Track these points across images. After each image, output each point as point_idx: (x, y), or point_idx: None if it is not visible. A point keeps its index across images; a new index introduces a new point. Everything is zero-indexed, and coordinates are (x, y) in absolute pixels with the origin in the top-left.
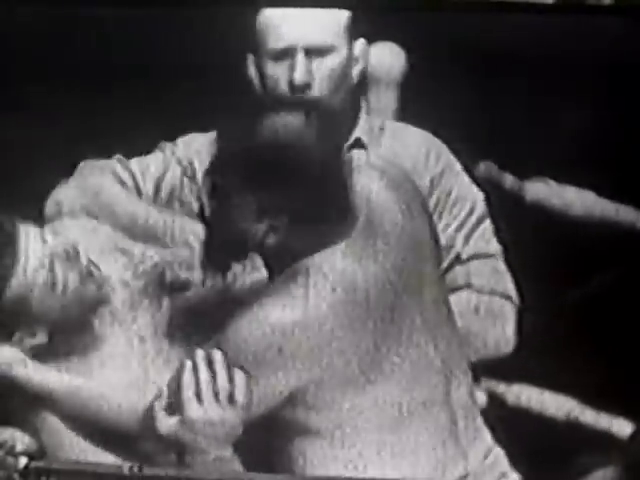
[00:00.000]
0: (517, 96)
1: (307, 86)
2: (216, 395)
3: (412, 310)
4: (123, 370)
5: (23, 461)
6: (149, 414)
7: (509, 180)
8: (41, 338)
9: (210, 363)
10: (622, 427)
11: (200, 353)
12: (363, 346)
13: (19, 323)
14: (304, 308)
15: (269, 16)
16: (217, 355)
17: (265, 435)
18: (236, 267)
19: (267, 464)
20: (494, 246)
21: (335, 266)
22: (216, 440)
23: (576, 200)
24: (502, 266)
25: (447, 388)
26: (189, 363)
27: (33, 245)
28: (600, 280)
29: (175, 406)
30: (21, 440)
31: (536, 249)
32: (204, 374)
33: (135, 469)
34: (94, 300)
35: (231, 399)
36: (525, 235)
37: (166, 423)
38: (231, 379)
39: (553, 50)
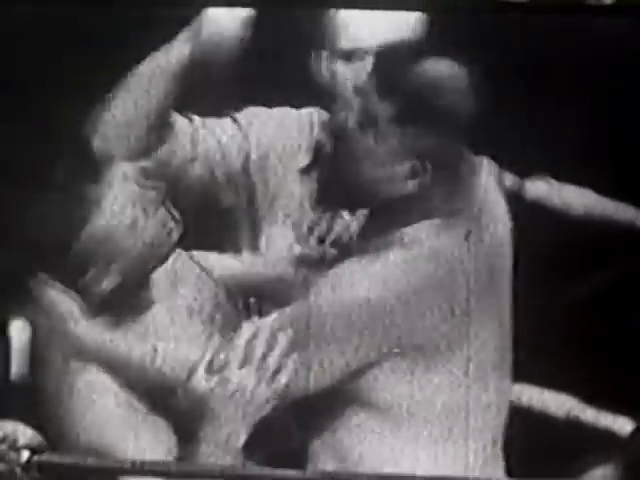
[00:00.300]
0: (517, 95)
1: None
2: (261, 368)
3: (486, 307)
4: (169, 334)
5: (25, 455)
6: (189, 373)
7: (509, 178)
8: (108, 283)
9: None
10: (622, 425)
11: (267, 325)
12: (434, 332)
13: (94, 261)
14: (386, 285)
15: (343, 16)
16: (283, 338)
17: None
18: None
19: (312, 428)
20: None
21: (430, 245)
22: (236, 412)
23: (576, 199)
24: None
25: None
26: (251, 329)
27: (124, 183)
28: (600, 279)
29: (218, 367)
30: (23, 434)
31: (536, 248)
32: (261, 347)
33: (137, 464)
34: (165, 252)
35: (272, 378)
36: (525, 233)
37: (202, 382)
38: (281, 363)
39: (553, 50)
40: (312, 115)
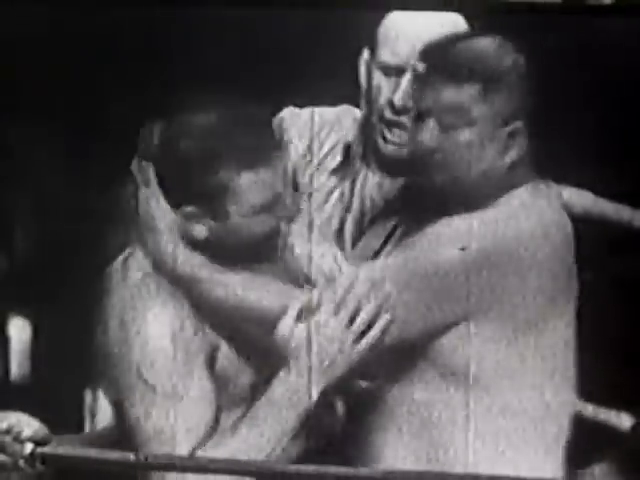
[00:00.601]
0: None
1: (406, 110)
2: (352, 322)
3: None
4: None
5: (29, 447)
6: (279, 314)
7: None
8: (199, 231)
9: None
10: (622, 421)
11: (363, 278)
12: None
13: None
14: (481, 242)
15: (390, 28)
16: (377, 292)
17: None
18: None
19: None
20: None
21: (524, 207)
22: (318, 362)
23: (576, 200)
24: None
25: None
26: (350, 277)
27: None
28: (600, 277)
29: (308, 313)
30: (27, 425)
31: None
32: (355, 299)
33: (141, 457)
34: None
35: (362, 334)
36: None
37: (290, 325)
38: (373, 319)
39: (553, 50)
40: (344, 113)
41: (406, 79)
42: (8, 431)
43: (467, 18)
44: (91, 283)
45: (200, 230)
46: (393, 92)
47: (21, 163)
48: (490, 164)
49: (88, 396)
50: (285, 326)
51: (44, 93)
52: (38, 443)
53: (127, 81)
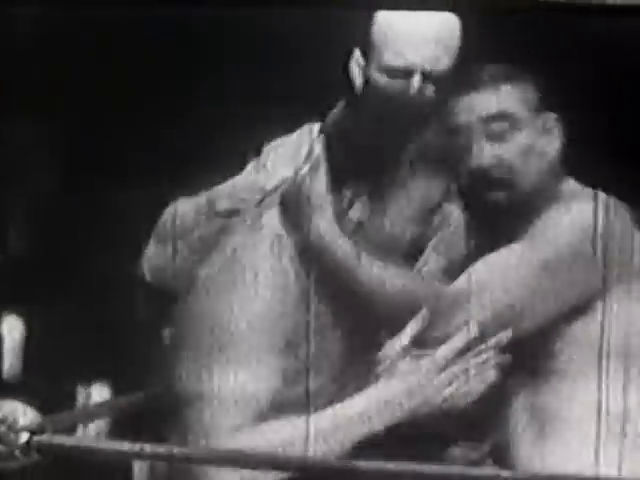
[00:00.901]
0: None
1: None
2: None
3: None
4: None
5: (24, 437)
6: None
7: None
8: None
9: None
10: None
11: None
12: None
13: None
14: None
15: (385, 28)
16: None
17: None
18: None
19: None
20: None
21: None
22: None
23: None
24: None
25: None
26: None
27: None
28: None
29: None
30: (23, 414)
31: None
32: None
33: (137, 447)
34: None
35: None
36: None
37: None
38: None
39: (553, 50)
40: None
41: (416, 80)
42: (3, 420)
43: (462, 18)
44: (87, 282)
45: (357, 214)
46: (403, 94)
47: (16, 163)
48: (540, 158)
49: (81, 395)
50: (391, 348)
51: (44, 93)
52: (34, 432)
53: (127, 81)
